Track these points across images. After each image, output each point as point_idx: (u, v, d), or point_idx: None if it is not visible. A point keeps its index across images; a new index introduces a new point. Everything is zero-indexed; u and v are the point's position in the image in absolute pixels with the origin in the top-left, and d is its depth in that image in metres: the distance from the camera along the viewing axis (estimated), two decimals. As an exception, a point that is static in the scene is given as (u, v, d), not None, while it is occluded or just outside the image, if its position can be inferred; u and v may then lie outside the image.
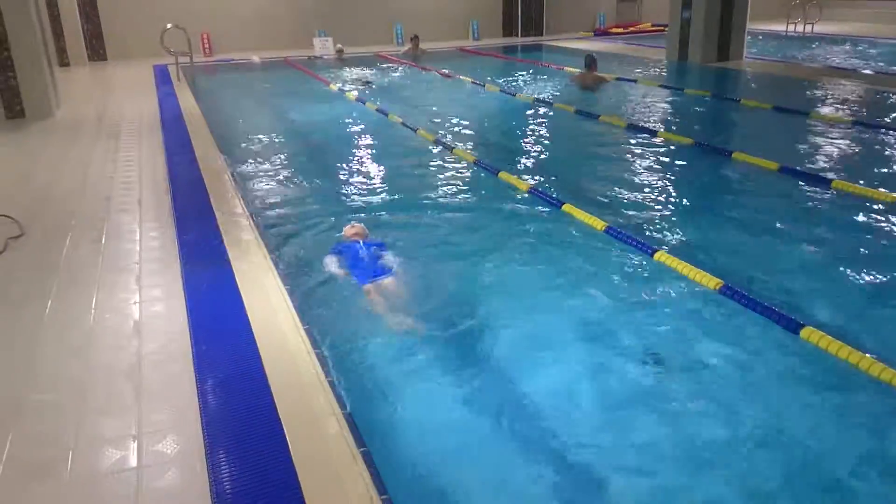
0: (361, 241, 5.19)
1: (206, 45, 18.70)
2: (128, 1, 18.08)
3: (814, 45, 18.02)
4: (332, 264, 5.03)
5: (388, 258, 5.05)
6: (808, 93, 11.72)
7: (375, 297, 4.58)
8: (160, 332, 4.03)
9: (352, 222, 5.56)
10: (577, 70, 13.51)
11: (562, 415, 3.52)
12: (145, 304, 4.39)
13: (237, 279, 4.66)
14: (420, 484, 3.07)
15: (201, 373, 3.56)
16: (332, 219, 6.22)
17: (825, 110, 10.28)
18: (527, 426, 3.46)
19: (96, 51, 18.17)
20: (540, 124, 10.30)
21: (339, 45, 18.52)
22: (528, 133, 9.84)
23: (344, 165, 8.06)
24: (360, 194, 6.96)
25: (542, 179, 7.31)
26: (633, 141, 8.88)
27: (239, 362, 3.65)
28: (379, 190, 7.09)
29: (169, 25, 14.42)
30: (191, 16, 17.59)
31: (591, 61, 12.77)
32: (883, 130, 8.85)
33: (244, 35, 19.18)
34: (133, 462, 2.94)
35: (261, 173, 7.78)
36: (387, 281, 4.74)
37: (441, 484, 3.06)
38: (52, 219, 6.04)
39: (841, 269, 5.09)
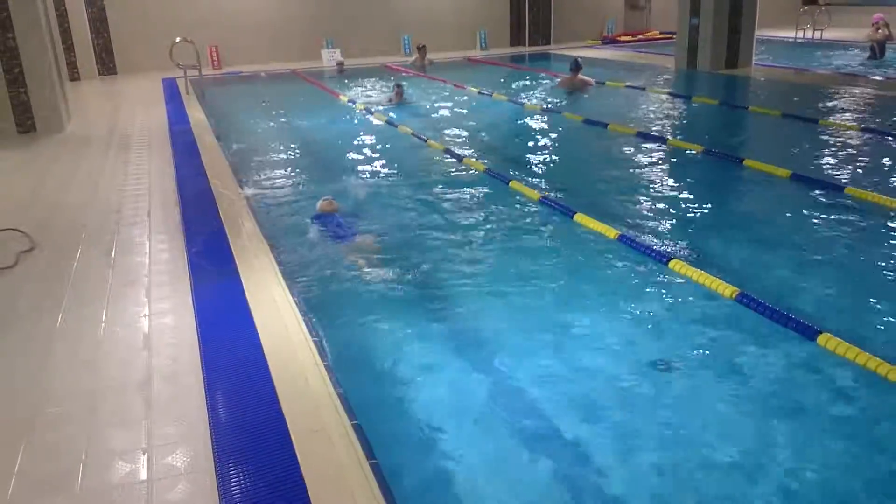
0: (335, 214, 6.21)
1: (215, 58, 18.81)
2: (137, 15, 18.23)
3: (823, 52, 17.96)
4: (313, 232, 6.06)
5: (359, 226, 6.13)
6: (817, 99, 11.67)
7: (351, 255, 5.59)
8: (170, 345, 4.03)
9: (324, 197, 6.52)
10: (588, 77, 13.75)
11: (576, 423, 3.50)
12: (155, 316, 4.39)
13: (246, 291, 4.66)
14: (430, 495, 3.05)
15: (210, 385, 3.56)
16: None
17: (835, 117, 10.23)
18: (540, 436, 3.43)
19: (106, 65, 18.32)
20: (549, 133, 10.30)
21: (339, 59, 18.40)
22: (538, 142, 9.83)
23: (354, 177, 8.07)
24: (370, 205, 6.96)
25: (553, 188, 7.30)
26: (643, 149, 8.86)
27: (248, 375, 3.65)
28: (390, 200, 7.09)
29: (178, 39, 14.52)
30: (199, 29, 17.72)
31: (575, 65, 13.37)
32: (894, 137, 8.79)
33: (252, 48, 19.29)
34: (143, 475, 2.94)
35: (269, 185, 7.81)
36: (358, 240, 5.82)
37: (452, 495, 3.04)
38: (63, 232, 6.07)
39: (856, 275, 5.07)
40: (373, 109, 12.04)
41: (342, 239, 5.86)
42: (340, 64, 18.14)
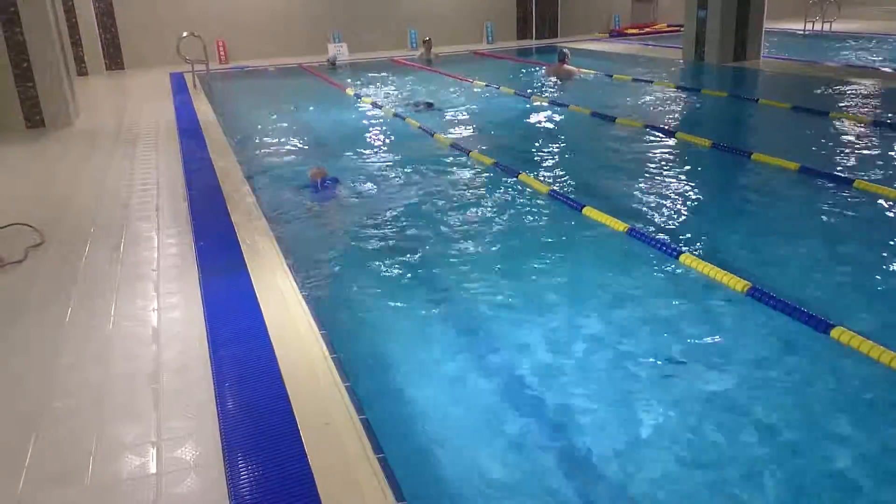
0: (319, 180, 7.24)
1: (222, 53, 18.83)
2: (144, 10, 18.26)
3: (832, 44, 17.84)
4: (304, 196, 7.11)
5: (338, 188, 7.29)
6: (826, 92, 11.59)
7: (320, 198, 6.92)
8: (178, 339, 4.04)
9: (313, 166, 7.64)
10: (591, 72, 14.10)
11: (585, 420, 3.49)
12: (164, 310, 4.40)
13: (254, 285, 4.66)
14: (438, 489, 3.05)
15: (219, 379, 3.56)
16: (349, 222, 6.23)
17: (844, 110, 10.16)
18: (548, 431, 3.43)
19: (114, 60, 18.36)
20: (557, 126, 10.26)
21: (332, 54, 17.95)
22: (546, 135, 9.80)
23: (361, 170, 8.06)
24: (377, 198, 6.97)
25: (562, 181, 7.28)
26: (651, 142, 8.82)
27: (256, 368, 3.65)
28: (397, 194, 7.08)
29: (185, 34, 14.52)
30: (206, 24, 17.72)
31: (562, 55, 14.01)
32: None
33: (259, 42, 19.29)
34: (153, 468, 2.95)
35: (277, 179, 7.81)
36: (336, 199, 6.99)
37: (460, 489, 3.04)
38: (72, 227, 6.09)
39: (866, 268, 5.03)
40: (401, 112, 11.42)
41: (326, 195, 7.05)
42: (331, 61, 17.75)
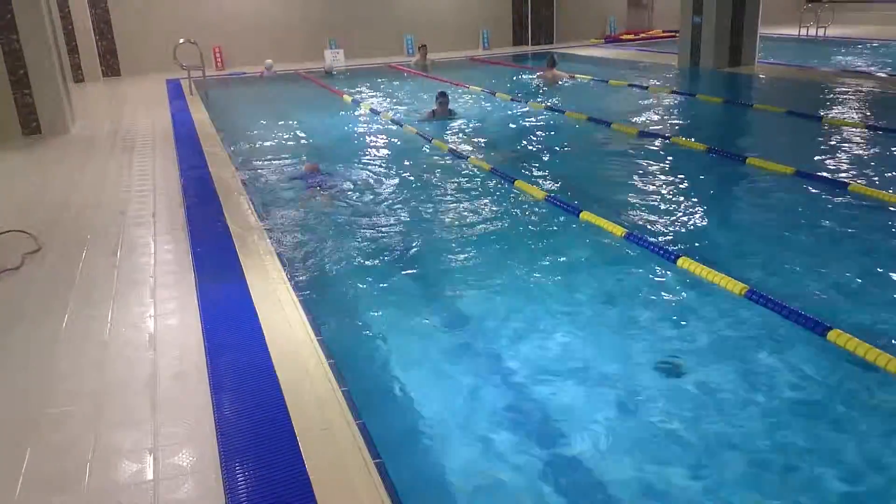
0: (316, 171, 7.84)
1: (219, 60, 18.84)
2: (141, 17, 18.26)
3: (827, 49, 17.91)
4: (297, 183, 7.73)
5: (328, 179, 7.76)
6: (821, 97, 11.64)
7: (315, 197, 7.26)
8: (175, 345, 4.03)
9: (308, 160, 8.42)
10: (587, 77, 14.24)
11: (583, 424, 3.49)
12: (160, 317, 4.40)
13: (251, 291, 4.66)
14: (435, 494, 3.05)
15: (216, 385, 3.56)
16: (347, 228, 6.24)
17: (839, 114, 10.20)
18: (546, 436, 3.43)
19: (110, 66, 18.36)
20: (553, 132, 10.27)
21: (328, 62, 17.89)
22: (542, 141, 9.81)
23: (358, 176, 8.07)
24: (373, 204, 6.97)
25: (558, 187, 7.29)
26: (647, 148, 8.84)
27: (253, 374, 3.65)
28: (394, 200, 7.09)
29: (181, 40, 14.53)
30: (203, 30, 17.73)
31: (550, 61, 14.66)
32: (899, 133, 8.77)
33: (256, 49, 19.28)
34: (149, 475, 2.94)
35: (273, 185, 7.81)
36: (325, 194, 7.32)
37: (456, 494, 3.04)
38: (68, 233, 6.08)
39: (862, 271, 5.05)
40: (401, 118, 11.29)
41: (317, 189, 7.39)
42: (327, 70, 17.72)
